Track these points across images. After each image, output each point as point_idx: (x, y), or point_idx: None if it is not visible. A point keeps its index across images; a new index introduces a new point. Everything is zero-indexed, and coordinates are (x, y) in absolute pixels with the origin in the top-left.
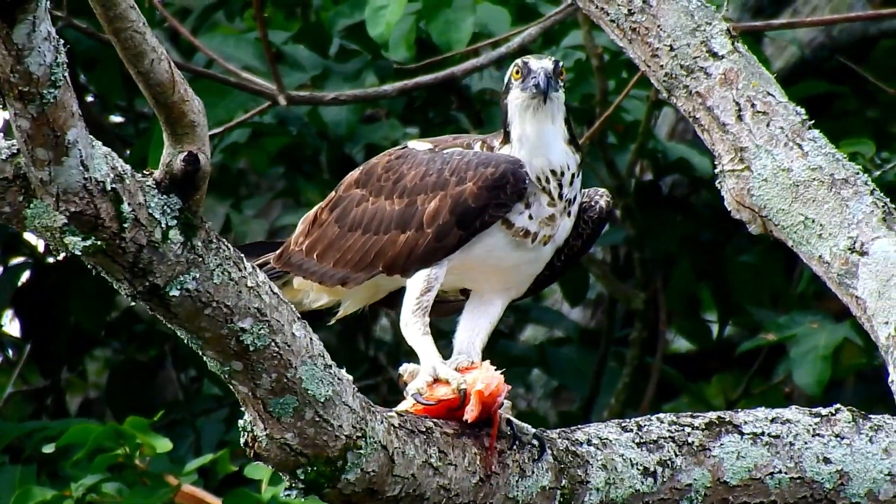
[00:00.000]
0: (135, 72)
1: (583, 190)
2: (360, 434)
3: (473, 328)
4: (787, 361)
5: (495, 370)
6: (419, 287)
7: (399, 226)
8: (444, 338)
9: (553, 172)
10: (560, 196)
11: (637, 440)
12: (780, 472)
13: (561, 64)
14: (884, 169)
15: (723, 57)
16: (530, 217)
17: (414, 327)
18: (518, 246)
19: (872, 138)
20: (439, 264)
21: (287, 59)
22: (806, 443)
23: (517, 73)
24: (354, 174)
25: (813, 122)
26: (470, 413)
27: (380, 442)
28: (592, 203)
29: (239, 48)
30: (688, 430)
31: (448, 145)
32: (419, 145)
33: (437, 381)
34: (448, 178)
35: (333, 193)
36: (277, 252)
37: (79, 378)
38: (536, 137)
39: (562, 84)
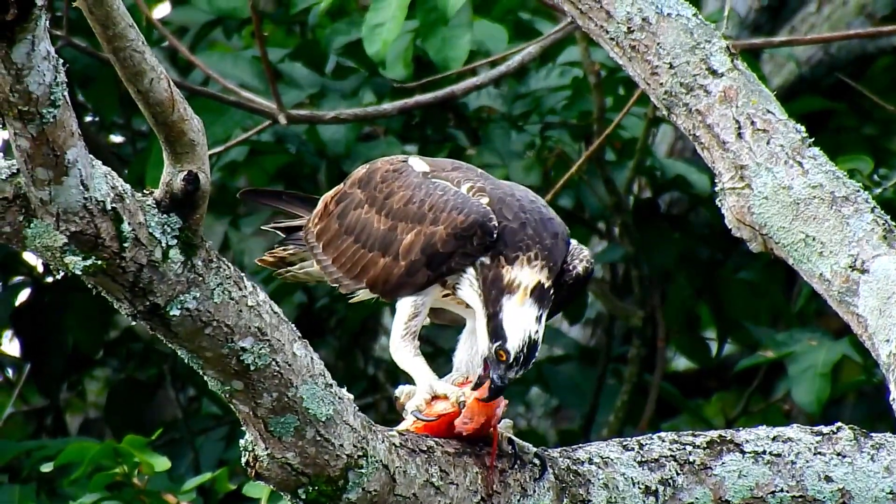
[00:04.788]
0: (134, 91)
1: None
2: (361, 453)
3: (472, 346)
4: (787, 379)
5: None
6: (406, 312)
7: (381, 248)
8: (442, 355)
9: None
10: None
11: (638, 459)
12: (781, 490)
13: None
14: (884, 186)
15: (722, 74)
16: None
17: (404, 351)
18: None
19: (870, 155)
20: (424, 292)
21: (284, 77)
22: (807, 461)
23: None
24: (360, 171)
25: (813, 139)
26: (463, 425)
27: (381, 461)
28: (570, 268)
29: (237, 66)
30: (689, 448)
31: (442, 174)
32: (417, 164)
33: (435, 397)
34: (426, 214)
35: (342, 185)
36: (306, 223)
37: (78, 398)
38: None
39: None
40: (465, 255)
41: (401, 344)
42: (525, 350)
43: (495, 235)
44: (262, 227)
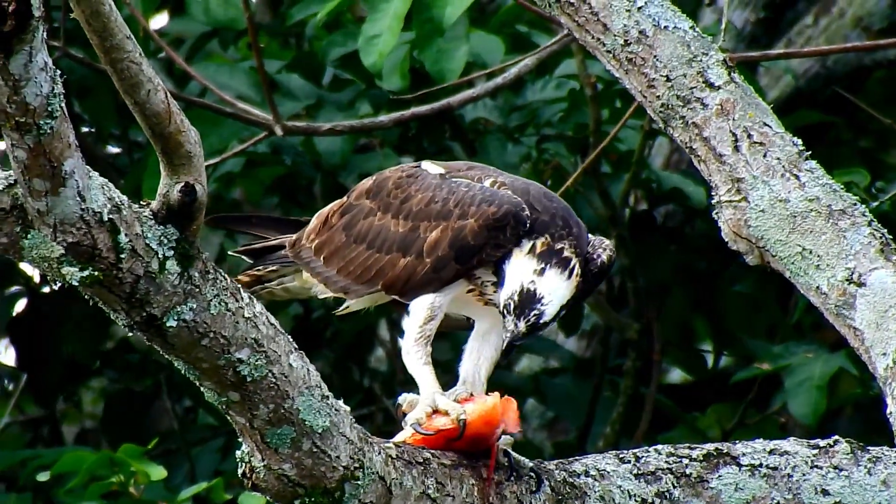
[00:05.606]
0: (131, 102)
1: (589, 238)
2: (357, 465)
3: (479, 357)
4: (783, 392)
5: (493, 400)
6: (422, 315)
7: (401, 249)
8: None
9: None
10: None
11: (635, 471)
12: (778, 503)
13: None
14: (881, 199)
15: (719, 87)
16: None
17: (415, 356)
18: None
19: (866, 168)
20: (442, 293)
21: (281, 89)
22: (804, 474)
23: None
24: (367, 183)
25: (809, 152)
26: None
27: (377, 473)
28: (595, 256)
29: (233, 77)
30: (686, 461)
31: (459, 174)
32: (431, 168)
33: (436, 411)
34: (451, 210)
35: (345, 199)
36: (291, 240)
37: (74, 408)
38: None
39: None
40: (497, 247)
41: (413, 348)
42: (517, 298)
43: (528, 225)
44: (229, 253)
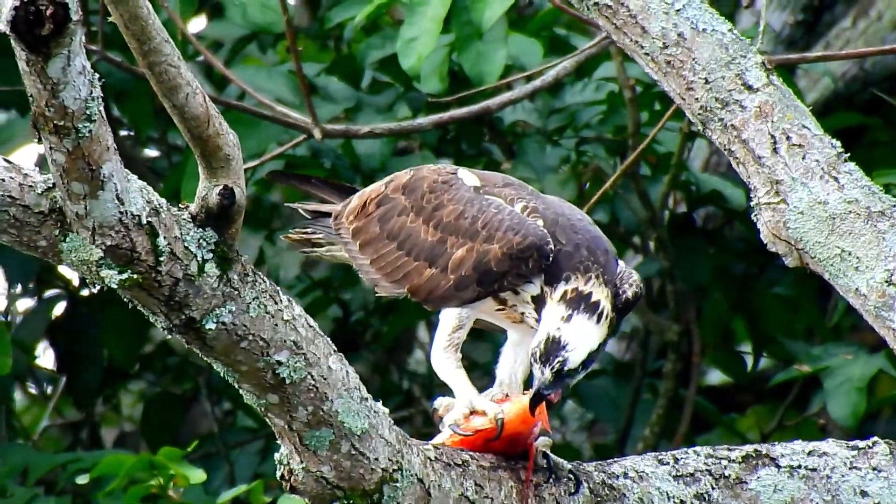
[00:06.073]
0: (169, 105)
1: (618, 266)
2: (396, 467)
3: (515, 359)
4: (822, 393)
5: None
6: (451, 324)
7: (428, 258)
8: (477, 369)
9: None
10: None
11: (674, 473)
12: None
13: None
14: None
15: (758, 90)
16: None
17: (446, 362)
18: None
19: None
20: (469, 306)
21: (320, 92)
22: (843, 476)
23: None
24: (404, 177)
25: (848, 154)
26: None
27: (416, 475)
28: (621, 292)
29: (272, 80)
30: (724, 462)
31: (494, 190)
32: (468, 178)
33: (473, 412)
34: (479, 230)
35: (383, 187)
36: (335, 212)
37: (113, 411)
38: None
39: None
40: (519, 276)
41: (443, 355)
42: (542, 346)
43: (550, 259)
44: (285, 204)
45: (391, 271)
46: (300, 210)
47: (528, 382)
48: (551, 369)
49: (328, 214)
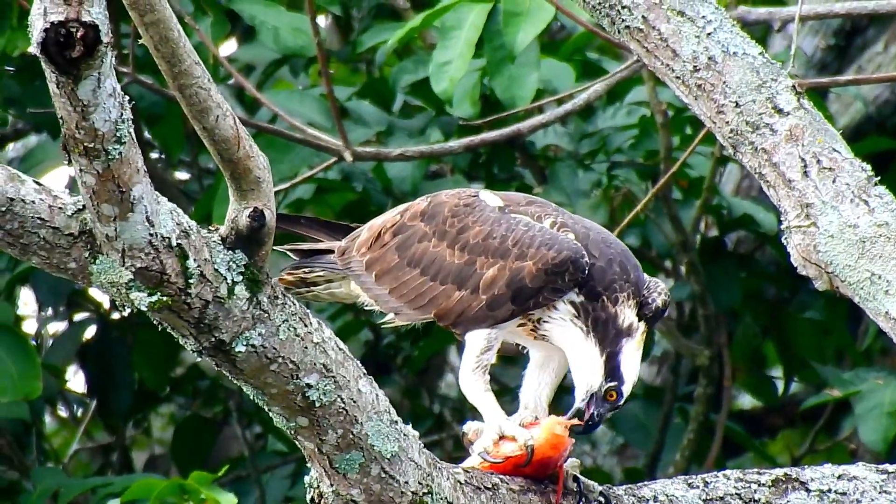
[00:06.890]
0: (200, 128)
1: (645, 280)
2: (426, 490)
3: (540, 382)
4: (853, 418)
5: (558, 421)
6: (479, 346)
7: (456, 281)
8: (508, 393)
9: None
10: None
11: (704, 497)
12: None
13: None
14: None
15: (788, 113)
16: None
17: (475, 385)
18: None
19: None
20: (497, 327)
21: (351, 115)
22: (873, 500)
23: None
24: (421, 205)
25: (879, 178)
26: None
27: (446, 498)
28: (649, 301)
29: (303, 104)
30: (754, 486)
31: (519, 209)
32: (490, 199)
33: (503, 437)
34: (510, 249)
35: (398, 217)
36: (340, 248)
37: (144, 434)
38: None
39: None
40: (555, 291)
41: (471, 378)
42: (600, 385)
43: (586, 272)
44: (274, 248)
45: (414, 297)
46: (288, 252)
47: (557, 407)
48: (612, 404)
49: (327, 251)
